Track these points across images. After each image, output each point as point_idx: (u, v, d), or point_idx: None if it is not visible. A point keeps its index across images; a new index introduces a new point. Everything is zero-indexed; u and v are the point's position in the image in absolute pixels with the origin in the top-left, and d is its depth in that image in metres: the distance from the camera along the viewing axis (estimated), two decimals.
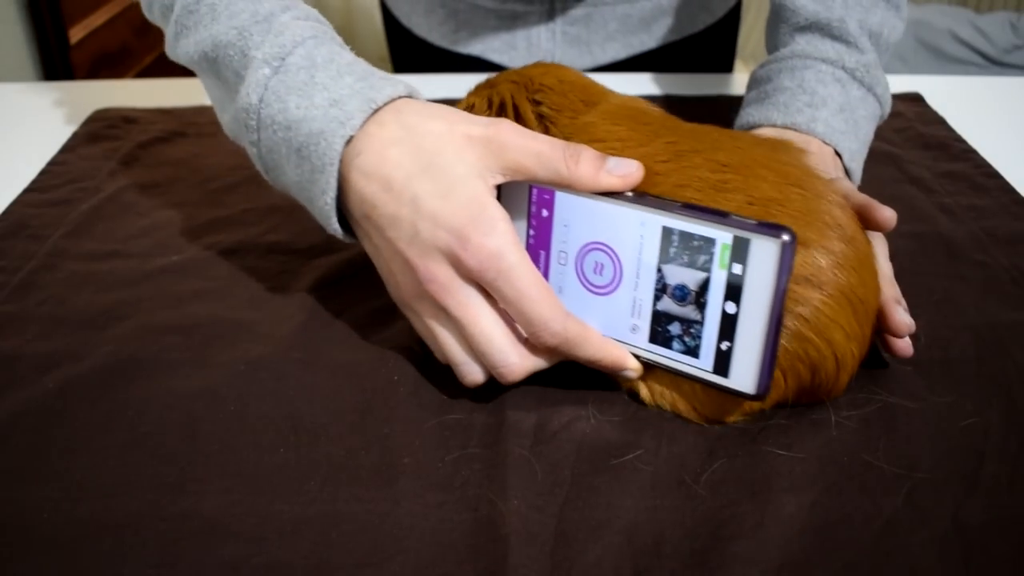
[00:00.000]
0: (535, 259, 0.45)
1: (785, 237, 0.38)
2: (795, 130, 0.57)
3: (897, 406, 0.46)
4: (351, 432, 0.44)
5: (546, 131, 0.52)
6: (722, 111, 0.70)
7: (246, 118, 0.47)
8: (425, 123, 0.44)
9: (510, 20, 0.88)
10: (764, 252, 0.38)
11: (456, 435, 0.44)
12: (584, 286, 0.44)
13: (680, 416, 0.45)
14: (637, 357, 0.44)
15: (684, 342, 0.42)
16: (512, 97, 0.55)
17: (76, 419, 0.45)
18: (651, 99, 0.82)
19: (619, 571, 0.37)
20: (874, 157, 0.68)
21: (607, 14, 0.88)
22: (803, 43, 0.62)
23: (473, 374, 0.45)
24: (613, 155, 0.44)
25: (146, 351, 0.50)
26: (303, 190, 0.47)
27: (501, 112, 0.55)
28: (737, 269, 0.39)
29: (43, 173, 0.70)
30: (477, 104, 0.56)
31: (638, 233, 0.42)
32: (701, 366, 0.42)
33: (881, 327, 0.46)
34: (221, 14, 0.50)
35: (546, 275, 0.45)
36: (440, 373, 0.48)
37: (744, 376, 0.41)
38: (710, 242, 0.40)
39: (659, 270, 0.41)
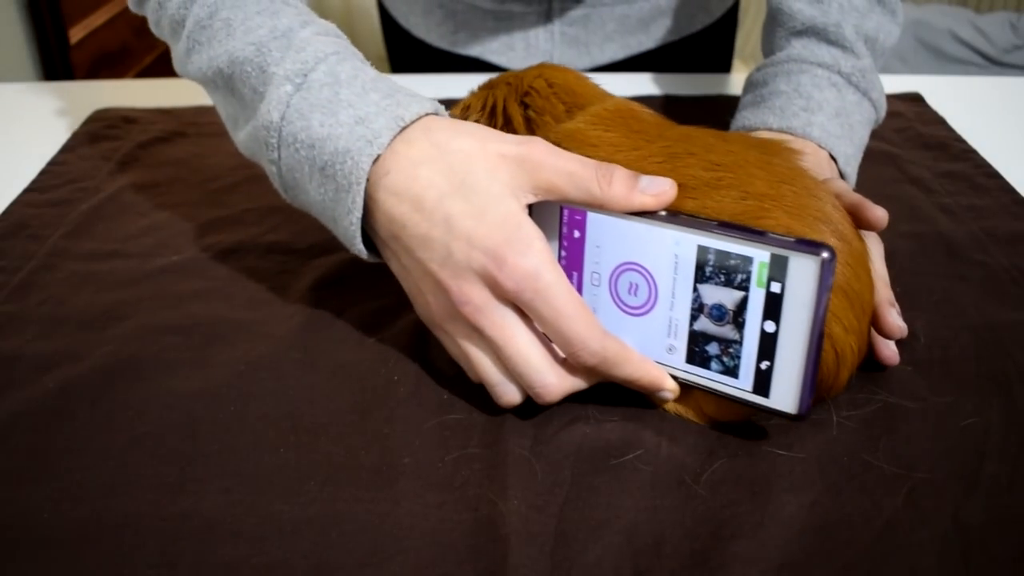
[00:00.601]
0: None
1: (824, 254, 0.37)
2: (791, 134, 0.57)
3: (897, 406, 0.46)
4: (351, 432, 0.44)
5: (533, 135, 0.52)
6: (720, 111, 0.70)
7: (266, 136, 0.46)
8: (456, 141, 0.44)
9: (508, 21, 0.88)
10: (803, 269, 0.38)
11: (456, 435, 0.44)
12: (619, 307, 0.44)
13: (682, 417, 0.45)
14: (674, 378, 0.44)
15: (722, 362, 0.41)
16: (504, 100, 0.55)
17: (76, 419, 0.45)
18: (649, 99, 0.82)
19: (619, 571, 0.37)
20: (874, 157, 0.68)
21: (605, 15, 0.88)
22: (799, 47, 0.62)
23: (509, 395, 0.44)
24: (609, 158, 0.44)
25: (146, 351, 0.50)
26: (326, 209, 0.46)
27: (493, 114, 0.55)
28: (776, 287, 0.39)
29: (43, 173, 0.70)
30: (473, 104, 0.56)
31: (673, 252, 0.41)
32: (740, 386, 0.41)
33: (872, 329, 0.46)
34: (237, 29, 0.49)
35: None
36: (440, 373, 0.48)
37: (785, 396, 0.40)
38: (747, 260, 0.39)
39: (695, 289, 0.41)
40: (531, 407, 0.45)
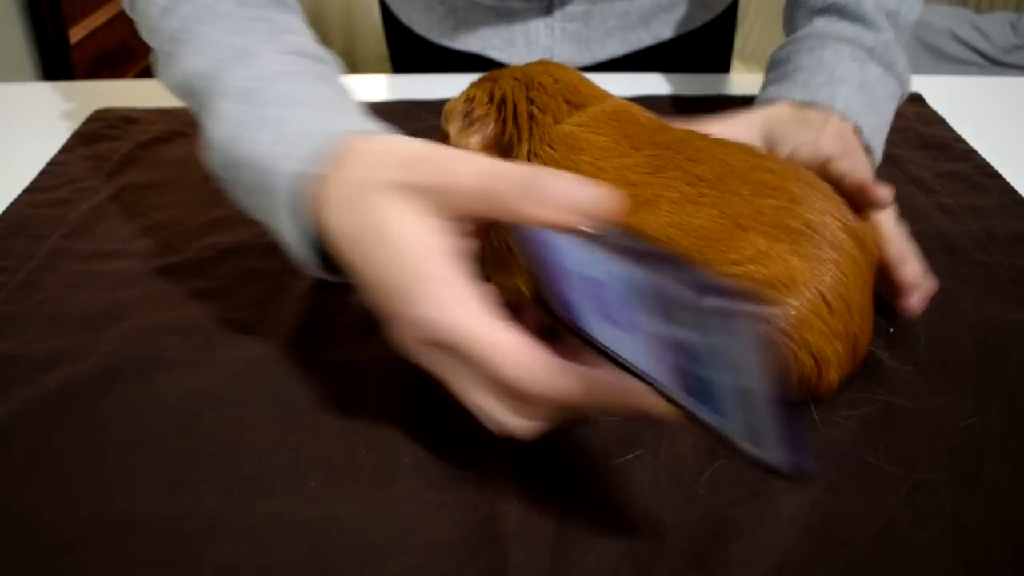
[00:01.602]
0: (560, 309, 0.39)
1: (755, 307, 0.30)
2: (814, 106, 0.57)
3: (897, 406, 0.46)
4: (351, 432, 0.44)
5: (530, 133, 0.52)
6: (719, 111, 0.70)
7: (210, 152, 0.47)
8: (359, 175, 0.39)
9: (508, 16, 0.88)
10: (735, 325, 0.31)
11: (456, 435, 0.44)
12: (615, 326, 0.37)
13: None
14: (678, 404, 0.36)
15: (716, 403, 0.34)
16: (513, 93, 0.55)
17: (76, 419, 0.45)
18: (648, 99, 0.82)
19: (619, 571, 0.37)
20: None
21: (606, 11, 0.88)
22: (821, 24, 0.62)
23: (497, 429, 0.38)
24: (594, 163, 0.44)
25: (146, 351, 0.50)
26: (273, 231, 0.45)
27: (501, 106, 0.55)
28: (719, 341, 0.32)
29: (43, 173, 0.70)
30: (478, 96, 0.56)
31: (623, 283, 0.34)
32: (732, 427, 0.35)
33: (893, 287, 0.48)
34: (203, 45, 0.49)
35: (575, 324, 0.39)
36: None
37: (772, 451, 0.33)
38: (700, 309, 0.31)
39: (666, 325, 0.34)
40: None
